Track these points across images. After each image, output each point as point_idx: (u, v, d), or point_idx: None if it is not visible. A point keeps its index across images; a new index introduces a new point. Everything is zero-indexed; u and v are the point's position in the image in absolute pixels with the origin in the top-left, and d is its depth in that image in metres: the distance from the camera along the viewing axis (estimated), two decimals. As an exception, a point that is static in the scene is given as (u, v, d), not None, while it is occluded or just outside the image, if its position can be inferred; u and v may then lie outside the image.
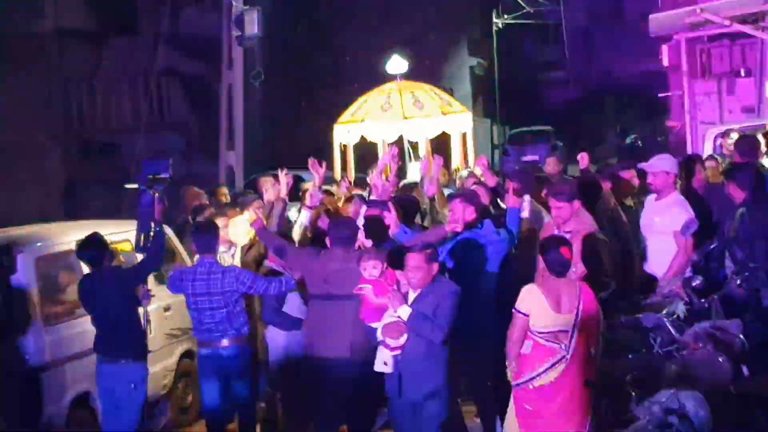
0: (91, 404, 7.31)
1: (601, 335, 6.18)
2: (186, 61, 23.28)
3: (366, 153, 12.10)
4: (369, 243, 7.09)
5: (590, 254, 6.74)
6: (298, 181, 9.50)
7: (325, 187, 8.64)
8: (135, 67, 22.60)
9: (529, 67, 38.64)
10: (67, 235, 7.73)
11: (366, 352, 6.42)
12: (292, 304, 7.20)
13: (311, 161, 8.39)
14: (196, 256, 7.47)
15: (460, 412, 7.02)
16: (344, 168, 11.50)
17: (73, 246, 7.23)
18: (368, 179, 10.71)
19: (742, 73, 19.81)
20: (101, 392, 6.94)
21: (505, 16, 33.41)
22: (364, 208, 7.78)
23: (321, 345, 6.67)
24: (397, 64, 11.55)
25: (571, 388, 5.97)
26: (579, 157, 9.32)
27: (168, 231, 8.11)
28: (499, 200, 8.27)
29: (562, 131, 31.12)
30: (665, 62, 21.88)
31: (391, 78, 11.57)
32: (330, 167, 11.98)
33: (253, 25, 14.30)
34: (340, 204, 9.17)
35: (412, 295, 6.19)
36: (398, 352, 6.17)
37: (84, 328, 7.17)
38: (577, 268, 6.56)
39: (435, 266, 6.14)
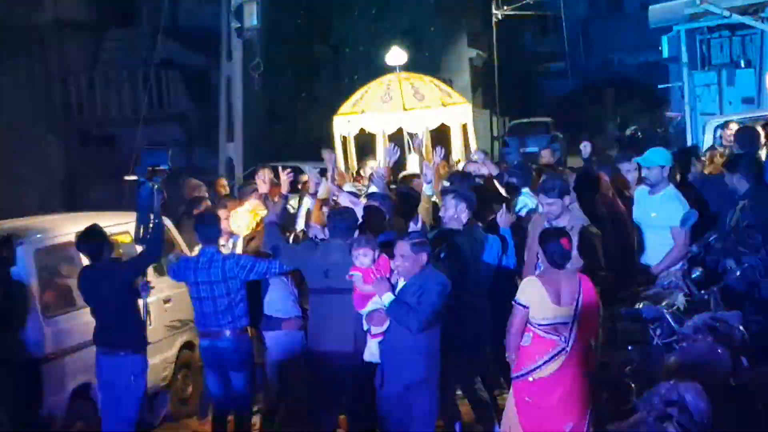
0: (91, 396, 7.32)
1: (600, 327, 6.19)
2: (185, 52, 23.27)
3: (366, 144, 12.09)
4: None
5: (585, 248, 6.73)
6: (297, 173, 9.52)
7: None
8: (134, 59, 22.60)
9: (529, 59, 38.66)
10: (67, 227, 7.72)
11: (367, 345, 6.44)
12: (277, 299, 7.20)
13: (328, 154, 8.42)
14: (196, 248, 7.48)
15: (453, 407, 6.98)
16: (346, 159, 11.50)
17: (72, 238, 7.23)
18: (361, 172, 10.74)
19: (742, 64, 19.80)
20: (101, 384, 6.95)
21: (505, 8, 33.33)
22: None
23: (323, 338, 6.68)
24: (396, 55, 11.51)
25: (571, 380, 5.97)
26: (582, 145, 9.31)
27: (167, 223, 8.12)
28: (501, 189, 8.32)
29: (562, 122, 31.13)
30: (665, 53, 21.90)
31: (391, 69, 11.55)
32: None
33: (252, 17, 14.28)
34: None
35: (401, 284, 6.19)
36: (380, 339, 6.20)
37: (84, 319, 7.17)
38: (575, 261, 6.54)
39: (423, 256, 6.07)
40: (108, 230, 7.28)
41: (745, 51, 20.10)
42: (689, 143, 18.05)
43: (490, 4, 33.15)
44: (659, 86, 24.93)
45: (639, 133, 29.06)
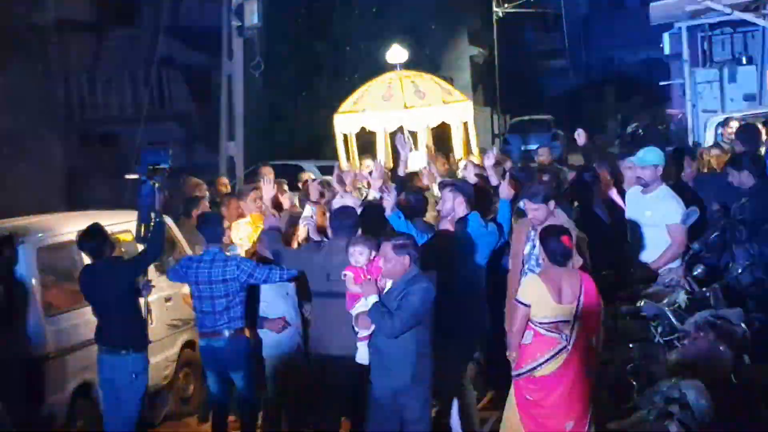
0: (92, 394, 7.32)
1: (602, 326, 6.18)
2: (186, 51, 23.25)
3: (367, 143, 12.08)
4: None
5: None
6: (297, 171, 9.53)
7: (326, 178, 8.64)
8: (135, 58, 22.57)
9: (530, 56, 38.67)
10: (68, 226, 7.73)
11: None
12: (269, 299, 7.20)
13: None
14: (196, 247, 7.49)
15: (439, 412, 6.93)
16: (348, 159, 11.49)
17: (73, 237, 7.23)
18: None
19: (744, 61, 19.80)
20: (102, 383, 6.95)
21: (506, 5, 33.33)
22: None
23: (326, 342, 6.68)
24: (397, 53, 11.48)
25: (572, 378, 5.97)
26: (576, 134, 9.30)
27: (168, 221, 8.12)
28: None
29: (563, 120, 31.12)
30: (666, 50, 21.90)
31: (392, 67, 11.53)
32: (332, 157, 11.99)
33: (252, 15, 14.28)
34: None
35: (388, 286, 6.14)
36: (366, 341, 6.19)
37: (85, 318, 7.18)
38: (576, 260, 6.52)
39: (406, 258, 5.95)
40: (109, 229, 7.28)
41: (746, 48, 20.12)
42: (691, 140, 18.06)
43: (490, 2, 33.16)
44: (660, 83, 24.93)
45: (640, 131, 29.01)
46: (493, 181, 7.91)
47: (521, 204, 7.14)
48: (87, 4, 23.10)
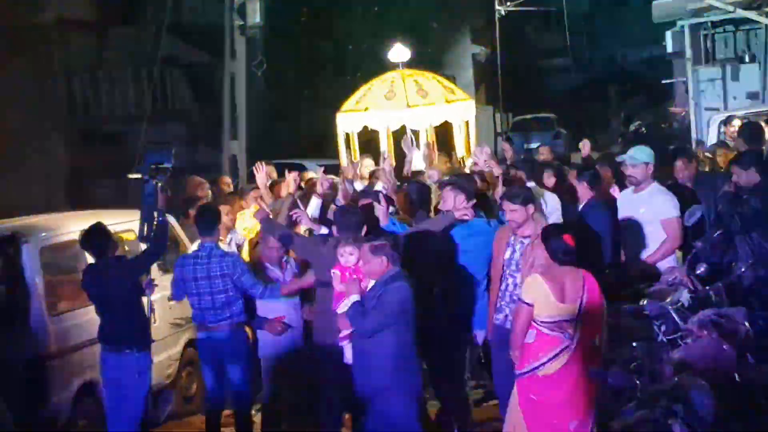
0: (96, 393, 7.33)
1: (605, 325, 6.18)
2: (189, 50, 23.25)
3: (369, 141, 12.08)
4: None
5: None
6: (299, 170, 9.53)
7: (330, 176, 8.62)
8: (138, 57, 22.56)
9: (532, 54, 38.63)
10: (71, 225, 7.74)
11: None
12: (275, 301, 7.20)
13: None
14: (195, 243, 7.51)
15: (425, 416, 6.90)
16: (351, 158, 11.49)
17: (77, 236, 7.24)
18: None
19: (747, 59, 19.76)
20: (106, 382, 6.96)
21: (508, 3, 33.24)
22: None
23: (328, 332, 6.67)
24: (399, 52, 11.48)
25: (575, 378, 5.96)
26: (581, 144, 9.34)
27: (171, 220, 8.13)
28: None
29: (566, 118, 31.10)
30: (669, 48, 21.84)
31: (394, 66, 11.53)
32: (335, 156, 11.98)
33: (255, 14, 14.31)
34: None
35: (371, 286, 6.18)
36: (346, 341, 6.22)
37: (88, 317, 7.19)
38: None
39: (383, 259, 6.00)
40: (112, 228, 7.29)
41: (749, 46, 20.07)
42: (694, 139, 18.04)
43: (493, 0, 33.11)
44: (663, 81, 24.87)
45: (643, 129, 29.00)
46: (496, 171, 7.98)
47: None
48: (89, 3, 23.09)
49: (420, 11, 28.00)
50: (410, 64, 11.70)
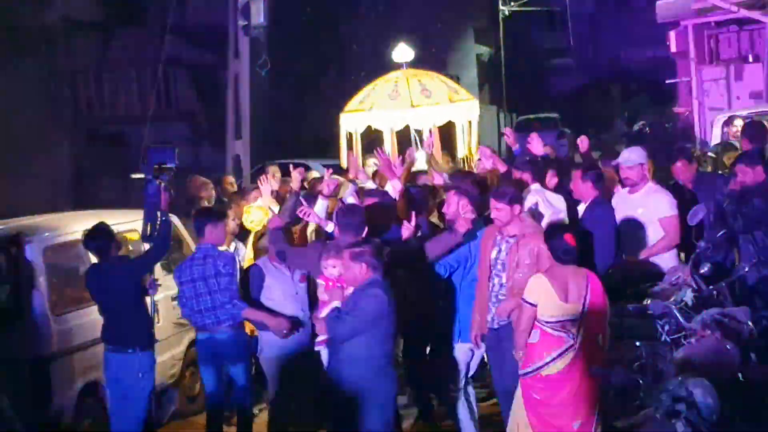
0: (99, 393, 7.34)
1: (608, 324, 6.17)
2: (192, 50, 23.27)
3: (373, 142, 12.08)
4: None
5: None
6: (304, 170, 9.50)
7: (334, 177, 8.61)
8: (142, 57, 22.59)
9: (536, 54, 38.57)
10: (75, 225, 7.75)
11: None
12: (283, 301, 7.19)
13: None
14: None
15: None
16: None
17: (80, 236, 7.25)
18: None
19: (750, 59, 19.73)
20: (109, 381, 6.97)
21: (512, 3, 33.29)
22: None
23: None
24: (403, 52, 11.47)
25: (579, 377, 5.97)
26: (579, 140, 9.32)
27: (174, 220, 8.13)
28: None
29: (569, 118, 31.08)
30: (672, 48, 21.79)
31: (398, 66, 11.52)
32: (337, 156, 11.98)
33: (259, 15, 14.30)
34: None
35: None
36: (322, 346, 6.22)
37: (92, 317, 7.19)
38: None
39: (362, 266, 5.93)
40: (115, 228, 7.31)
41: (753, 46, 20.02)
42: (697, 139, 18.02)
43: (496, 0, 33.11)
44: (667, 81, 24.83)
45: (647, 129, 28.96)
46: (501, 168, 8.00)
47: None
48: (94, 4, 23.13)
49: (424, 11, 28.01)
50: (414, 64, 11.69)
